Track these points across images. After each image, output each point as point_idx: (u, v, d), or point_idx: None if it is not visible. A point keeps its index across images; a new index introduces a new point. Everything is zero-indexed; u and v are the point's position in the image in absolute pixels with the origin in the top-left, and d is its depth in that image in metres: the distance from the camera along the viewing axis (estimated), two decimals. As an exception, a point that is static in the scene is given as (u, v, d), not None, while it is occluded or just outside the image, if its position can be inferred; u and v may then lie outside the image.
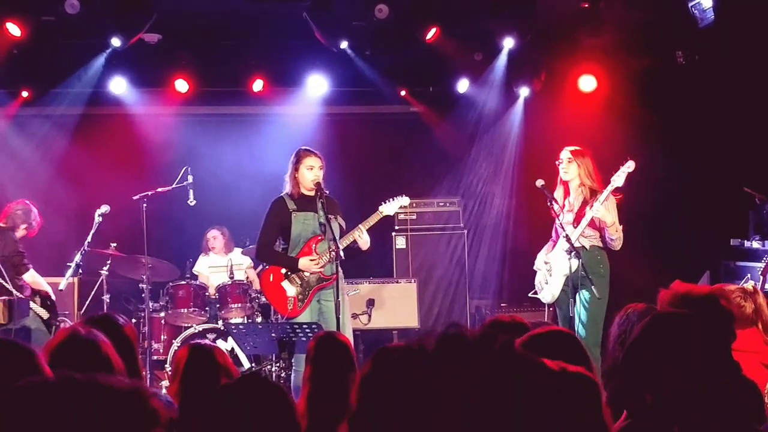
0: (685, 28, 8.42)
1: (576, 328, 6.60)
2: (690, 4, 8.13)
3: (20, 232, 7.78)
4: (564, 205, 6.99)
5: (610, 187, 6.77)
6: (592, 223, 6.81)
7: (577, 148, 7.02)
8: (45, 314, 7.58)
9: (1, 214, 7.85)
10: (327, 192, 6.96)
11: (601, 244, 6.92)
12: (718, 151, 9.03)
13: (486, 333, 1.39)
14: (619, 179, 6.80)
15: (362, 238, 6.89)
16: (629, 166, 6.82)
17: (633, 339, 2.35)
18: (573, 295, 6.79)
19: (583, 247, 6.82)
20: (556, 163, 7.02)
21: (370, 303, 9.03)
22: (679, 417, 2.20)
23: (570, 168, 6.94)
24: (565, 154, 6.98)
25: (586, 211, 6.82)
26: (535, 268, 7.23)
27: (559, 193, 7.03)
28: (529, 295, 7.28)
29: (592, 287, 6.57)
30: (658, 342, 2.30)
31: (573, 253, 6.63)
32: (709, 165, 9.03)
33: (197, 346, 3.72)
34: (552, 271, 7.01)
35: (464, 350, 1.36)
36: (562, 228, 6.75)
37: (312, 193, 6.95)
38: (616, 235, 6.79)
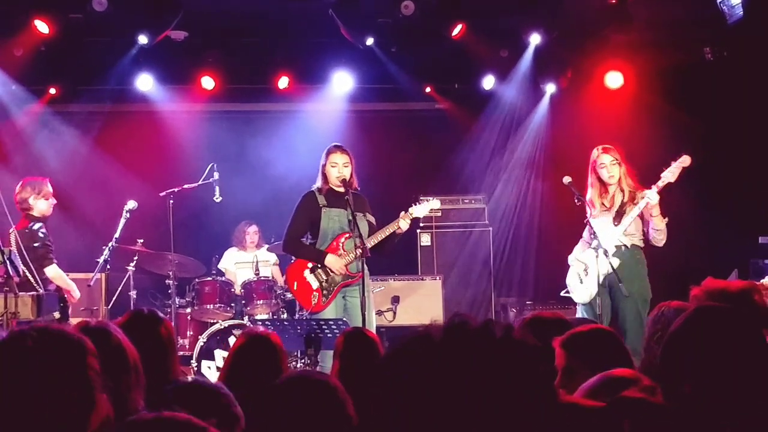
0: (714, 24, 8.34)
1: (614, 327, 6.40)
2: (718, 0, 8.06)
3: (41, 205, 7.37)
4: (602, 205, 6.87)
5: (661, 183, 6.65)
6: (635, 221, 6.71)
7: (611, 147, 6.89)
8: (57, 315, 7.18)
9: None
10: (358, 189, 6.95)
11: (641, 244, 6.83)
12: (746, 147, 8.94)
13: (488, 321, 1.42)
14: (671, 175, 6.67)
15: (404, 224, 6.89)
16: (684, 161, 6.69)
17: (674, 330, 2.33)
18: (609, 294, 6.74)
19: (624, 245, 6.74)
20: (599, 166, 6.86)
21: (396, 300, 9.02)
22: (719, 409, 2.18)
23: (614, 170, 6.84)
24: (608, 158, 6.85)
25: (628, 207, 6.72)
26: (570, 265, 7.11)
27: (594, 194, 6.93)
28: (562, 293, 7.19)
29: (620, 285, 6.49)
30: (701, 333, 2.29)
31: (613, 252, 6.57)
32: (737, 161, 8.95)
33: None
34: (588, 270, 6.89)
35: (468, 338, 1.38)
36: (590, 226, 6.68)
37: (341, 189, 6.94)
38: (661, 225, 6.67)
